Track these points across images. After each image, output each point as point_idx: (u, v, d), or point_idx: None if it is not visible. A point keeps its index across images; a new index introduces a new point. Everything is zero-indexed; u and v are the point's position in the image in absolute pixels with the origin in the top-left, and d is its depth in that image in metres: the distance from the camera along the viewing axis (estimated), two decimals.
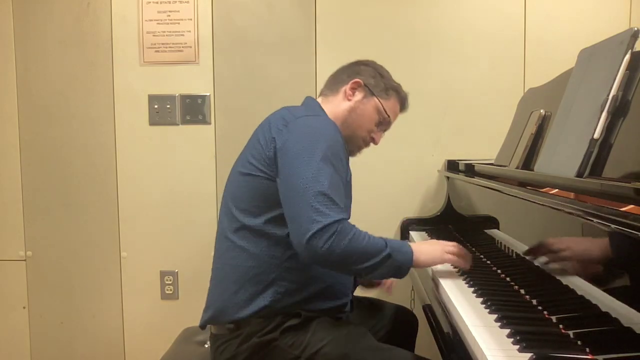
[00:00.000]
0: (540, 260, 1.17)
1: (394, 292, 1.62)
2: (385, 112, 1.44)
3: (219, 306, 1.29)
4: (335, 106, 1.43)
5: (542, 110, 1.45)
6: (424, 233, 2.01)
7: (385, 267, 1.19)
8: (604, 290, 0.88)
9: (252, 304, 1.25)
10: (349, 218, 1.22)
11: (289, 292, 1.26)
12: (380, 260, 1.18)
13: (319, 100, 1.46)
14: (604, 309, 0.88)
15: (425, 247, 1.30)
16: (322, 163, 1.20)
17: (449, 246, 1.32)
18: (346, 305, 1.38)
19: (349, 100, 1.42)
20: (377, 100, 1.43)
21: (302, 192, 1.18)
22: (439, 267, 1.41)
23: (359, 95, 1.42)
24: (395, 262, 1.20)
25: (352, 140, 1.42)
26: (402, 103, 1.49)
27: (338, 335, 1.24)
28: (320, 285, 1.30)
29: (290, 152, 1.23)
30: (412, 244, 1.26)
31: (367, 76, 1.44)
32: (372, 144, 1.48)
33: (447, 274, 1.34)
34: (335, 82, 1.46)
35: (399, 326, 1.55)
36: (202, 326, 1.36)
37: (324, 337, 1.23)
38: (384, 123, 1.46)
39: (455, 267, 1.39)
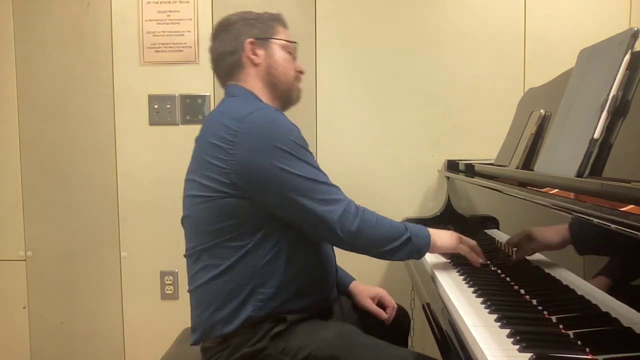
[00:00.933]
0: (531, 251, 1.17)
1: (394, 291, 1.62)
2: (289, 42, 1.40)
3: (204, 327, 1.26)
4: (253, 78, 1.36)
5: (542, 110, 1.45)
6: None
7: (406, 250, 1.26)
8: (604, 290, 0.88)
9: (236, 317, 1.22)
10: None
11: (270, 297, 1.23)
12: (402, 243, 1.25)
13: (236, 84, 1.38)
14: (604, 309, 0.88)
15: (441, 233, 1.36)
16: (292, 153, 1.19)
17: (464, 238, 1.39)
18: (331, 291, 1.37)
19: (257, 64, 1.35)
20: (276, 42, 1.38)
21: (294, 197, 1.18)
22: (440, 266, 1.42)
23: (261, 52, 1.36)
24: (414, 245, 1.27)
25: (288, 90, 1.40)
26: (284, 23, 1.42)
27: (327, 337, 1.22)
28: (298, 283, 1.27)
29: (256, 164, 1.18)
30: (428, 229, 1.32)
31: (249, 29, 1.36)
32: (302, 76, 1.44)
33: (447, 274, 1.34)
34: (227, 59, 1.37)
35: (393, 324, 1.55)
36: (194, 344, 1.33)
37: (314, 339, 1.21)
38: (294, 51, 1.42)
39: (455, 268, 1.39)
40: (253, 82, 1.36)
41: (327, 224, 1.19)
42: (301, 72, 1.43)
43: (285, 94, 1.39)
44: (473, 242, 1.40)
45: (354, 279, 1.60)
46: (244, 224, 1.22)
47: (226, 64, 1.38)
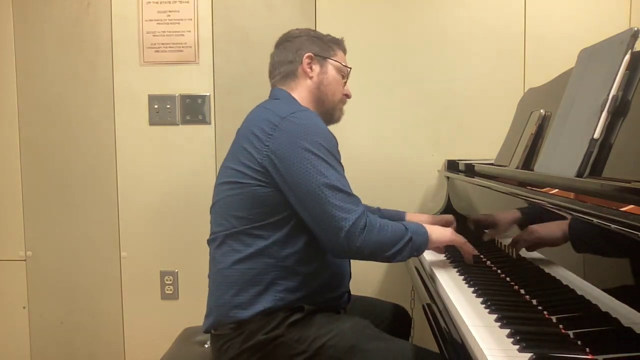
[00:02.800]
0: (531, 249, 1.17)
1: (394, 291, 1.63)
2: (344, 66, 1.49)
3: (220, 311, 1.28)
4: (303, 89, 1.44)
5: (542, 110, 1.45)
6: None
7: (408, 250, 1.28)
8: (604, 290, 0.88)
9: (253, 305, 1.25)
10: None
11: (290, 290, 1.27)
12: (404, 244, 1.27)
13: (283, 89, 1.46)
14: (604, 309, 0.88)
15: (434, 228, 1.39)
16: (323, 158, 1.23)
17: (458, 235, 1.43)
18: (344, 295, 1.41)
19: (311, 77, 1.44)
20: (332, 62, 1.47)
21: (315, 193, 1.21)
22: (439, 266, 1.42)
23: (316, 68, 1.44)
24: (415, 244, 1.29)
25: (332, 109, 1.48)
26: (344, 49, 1.53)
27: (343, 328, 1.25)
28: (320, 279, 1.31)
29: (289, 156, 1.23)
30: (424, 224, 1.35)
31: (310, 45, 1.45)
32: (347, 100, 1.53)
33: (447, 274, 1.35)
34: (284, 67, 1.45)
35: (395, 324, 1.57)
36: (206, 331, 1.35)
37: (330, 330, 1.24)
38: (347, 75, 1.51)
39: (455, 268, 1.39)
40: (302, 92, 1.44)
41: (335, 230, 1.21)
42: (348, 96, 1.52)
43: (329, 112, 1.47)
44: (466, 240, 1.43)
45: (404, 213, 1.71)
46: (272, 214, 1.26)
47: (282, 71, 1.45)
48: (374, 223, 1.24)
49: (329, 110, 1.47)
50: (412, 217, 1.69)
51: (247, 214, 1.28)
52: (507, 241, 1.36)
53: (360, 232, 1.21)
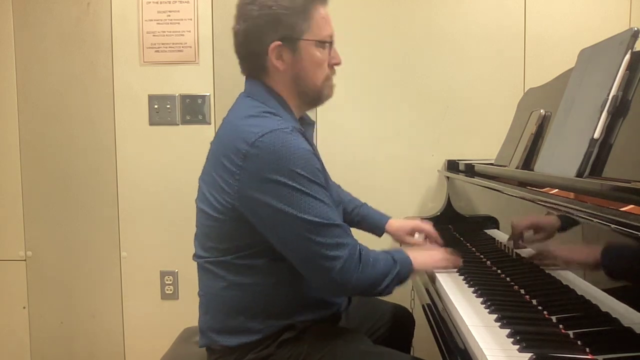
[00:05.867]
0: (533, 253, 1.17)
1: (394, 291, 1.62)
2: (323, 40, 1.22)
3: (211, 335, 1.24)
4: (278, 84, 1.22)
5: (542, 110, 1.45)
6: (423, 233, 2.01)
7: (394, 283, 1.19)
8: (604, 290, 0.88)
9: (244, 331, 1.20)
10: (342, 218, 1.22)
11: (280, 315, 1.20)
12: (393, 278, 1.18)
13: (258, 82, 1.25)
14: (604, 309, 0.88)
15: (417, 254, 1.29)
16: (301, 189, 1.09)
17: (438, 253, 1.37)
18: (342, 305, 1.35)
19: (283, 70, 1.20)
20: (305, 42, 1.19)
21: (299, 235, 1.09)
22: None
23: (288, 56, 1.19)
24: (400, 276, 1.20)
25: (319, 90, 1.25)
26: (321, 2, 1.24)
27: (335, 344, 1.21)
28: (312, 300, 1.25)
29: (262, 197, 1.09)
30: (407, 252, 1.26)
31: (273, 32, 1.17)
32: (336, 68, 1.29)
33: (447, 274, 1.34)
34: (251, 61, 1.24)
35: (397, 326, 1.54)
36: (200, 347, 1.31)
37: (322, 347, 1.19)
38: (330, 46, 1.25)
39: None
40: (279, 86, 1.24)
41: (326, 270, 1.11)
42: (337, 64, 1.28)
43: (315, 95, 1.27)
44: (446, 253, 1.37)
45: (388, 218, 1.61)
46: (252, 247, 1.17)
47: (249, 66, 1.26)
48: (368, 257, 1.14)
49: (314, 94, 1.25)
50: (394, 222, 1.61)
51: (226, 246, 1.19)
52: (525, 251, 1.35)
53: (355, 268, 1.11)
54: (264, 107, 1.20)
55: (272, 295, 1.20)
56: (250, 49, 1.22)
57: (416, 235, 1.60)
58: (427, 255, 1.35)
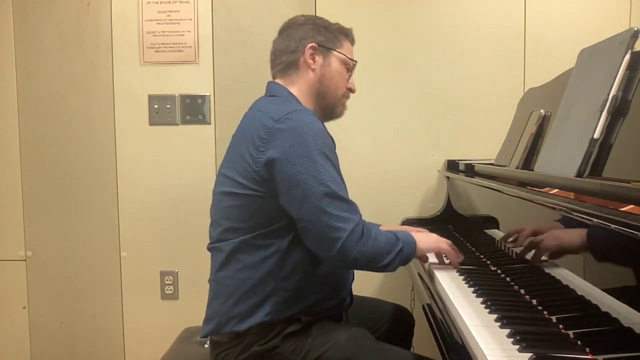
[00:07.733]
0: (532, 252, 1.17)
1: (393, 291, 1.62)
2: (349, 59, 1.40)
3: (219, 320, 1.26)
4: (304, 83, 1.36)
5: (542, 110, 1.45)
6: None
7: (398, 261, 1.25)
8: (604, 290, 0.88)
9: (252, 316, 1.23)
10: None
11: (289, 302, 1.24)
12: (396, 254, 1.24)
13: (282, 83, 1.38)
14: (604, 309, 0.88)
15: (422, 235, 1.37)
16: (320, 163, 1.18)
17: (443, 239, 1.40)
18: (346, 299, 1.38)
19: (313, 69, 1.35)
20: (337, 54, 1.38)
21: (314, 203, 1.17)
22: (439, 266, 1.42)
23: (319, 59, 1.36)
24: (404, 254, 1.26)
25: (334, 104, 1.40)
26: (352, 40, 1.44)
27: (339, 339, 1.23)
28: (322, 291, 1.29)
29: (285, 165, 1.18)
30: (411, 232, 1.33)
31: (315, 34, 1.36)
32: (351, 94, 1.44)
33: (446, 274, 1.34)
34: (285, 56, 1.37)
35: (397, 325, 1.55)
36: (204, 336, 1.34)
37: (326, 341, 1.22)
38: (352, 69, 1.42)
39: (455, 268, 1.39)
40: (302, 85, 1.36)
41: (332, 241, 1.17)
42: (352, 91, 1.43)
43: (330, 107, 1.40)
44: (451, 243, 1.40)
45: (378, 226, 1.61)
46: (272, 223, 1.23)
47: (283, 60, 1.37)
48: (369, 232, 1.21)
49: (330, 105, 1.39)
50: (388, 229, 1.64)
51: (246, 224, 1.24)
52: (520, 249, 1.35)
53: (357, 241, 1.18)
54: (285, 101, 1.32)
55: (285, 279, 1.24)
56: (289, 45, 1.36)
57: None
58: (431, 237, 1.39)
